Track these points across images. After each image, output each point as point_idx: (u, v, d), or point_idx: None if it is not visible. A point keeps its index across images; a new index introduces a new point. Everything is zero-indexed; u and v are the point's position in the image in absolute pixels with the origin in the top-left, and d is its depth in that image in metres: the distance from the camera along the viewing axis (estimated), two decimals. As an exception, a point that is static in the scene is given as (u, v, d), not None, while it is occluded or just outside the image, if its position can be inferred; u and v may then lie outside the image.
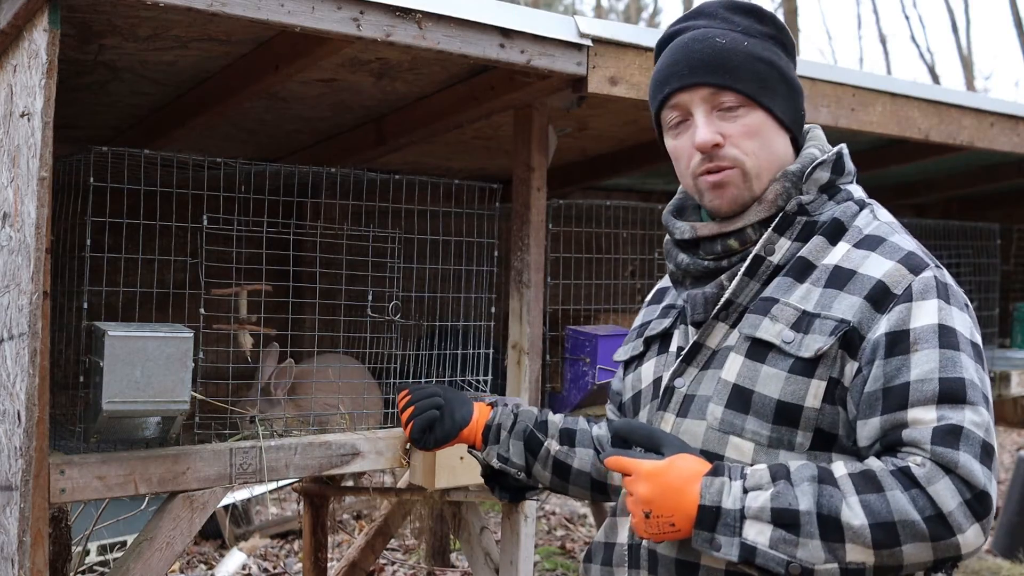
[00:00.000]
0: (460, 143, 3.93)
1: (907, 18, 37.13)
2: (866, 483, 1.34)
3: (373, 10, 2.50)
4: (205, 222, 2.69)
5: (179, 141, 3.44)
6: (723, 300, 1.53)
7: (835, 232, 1.53)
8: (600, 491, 1.81)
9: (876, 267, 1.46)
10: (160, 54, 2.74)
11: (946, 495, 1.31)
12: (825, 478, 1.35)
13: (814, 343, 1.43)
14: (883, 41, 30.67)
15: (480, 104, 3.17)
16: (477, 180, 3.25)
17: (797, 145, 1.61)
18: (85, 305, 2.52)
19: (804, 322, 1.46)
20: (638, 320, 1.80)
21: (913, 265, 1.45)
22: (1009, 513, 5.79)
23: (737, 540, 1.34)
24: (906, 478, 1.33)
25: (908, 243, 1.50)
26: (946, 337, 1.39)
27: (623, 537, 1.58)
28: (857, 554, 1.32)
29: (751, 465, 1.44)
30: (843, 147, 1.62)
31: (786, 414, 1.44)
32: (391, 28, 2.54)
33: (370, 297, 3.00)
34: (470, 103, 3.19)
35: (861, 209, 1.57)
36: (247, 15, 2.32)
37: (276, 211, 2.94)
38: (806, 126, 1.64)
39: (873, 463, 1.38)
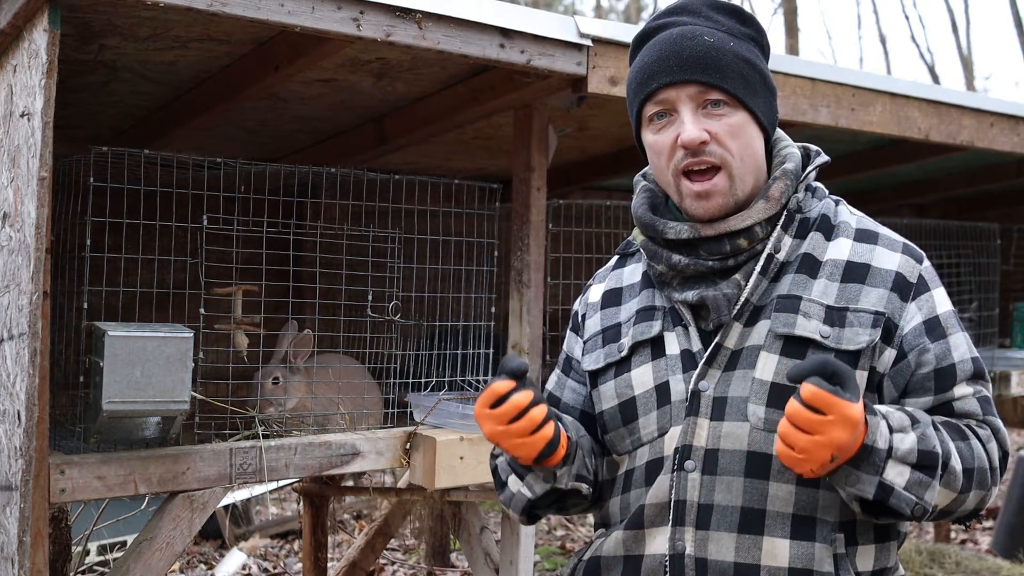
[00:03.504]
0: (460, 143, 3.93)
1: (907, 18, 37.12)
2: (954, 432, 1.45)
3: (373, 10, 2.50)
4: (205, 222, 2.69)
5: (179, 141, 3.44)
6: (742, 300, 1.52)
7: (826, 228, 1.58)
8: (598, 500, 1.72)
9: (888, 260, 1.54)
10: (160, 54, 2.74)
11: (995, 453, 1.48)
12: (936, 424, 1.44)
13: (857, 336, 1.48)
14: (883, 41, 30.53)
15: (480, 104, 3.17)
16: (477, 180, 3.25)
17: (768, 145, 1.62)
18: (85, 305, 2.52)
19: (833, 316, 1.49)
20: (595, 325, 1.70)
21: (915, 255, 1.57)
22: (1009, 513, 5.79)
23: (877, 479, 1.36)
24: (974, 433, 1.47)
25: (894, 234, 1.61)
26: (959, 320, 1.56)
27: (657, 548, 1.51)
28: (942, 497, 1.40)
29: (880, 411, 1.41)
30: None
31: None
32: (391, 28, 2.54)
33: (370, 297, 3.00)
34: (470, 103, 3.19)
35: (836, 204, 1.63)
36: (247, 15, 2.32)
37: (276, 211, 2.94)
38: None
39: (947, 417, 1.48)
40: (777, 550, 1.45)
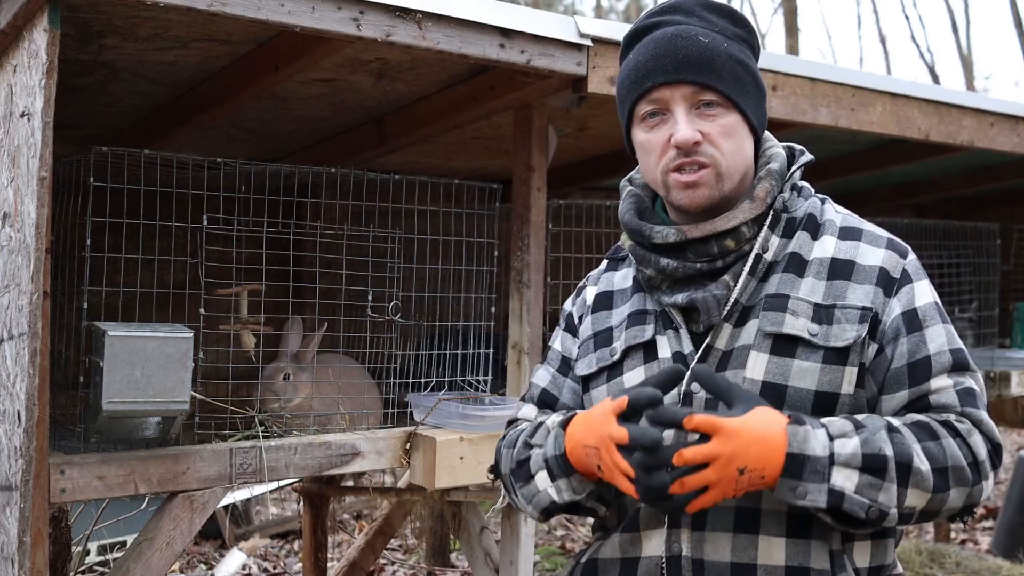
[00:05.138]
0: (460, 143, 3.93)
1: (907, 18, 37.05)
2: (922, 431, 1.43)
3: (373, 10, 2.50)
4: (205, 222, 2.69)
5: (179, 141, 3.44)
6: (732, 301, 1.53)
7: (812, 227, 1.59)
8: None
9: (871, 256, 1.55)
10: (160, 54, 2.74)
11: (979, 446, 1.45)
12: (893, 427, 1.43)
13: (845, 332, 1.49)
14: (883, 41, 30.57)
15: (480, 104, 3.17)
16: (477, 180, 3.25)
17: (757, 146, 1.63)
18: (85, 305, 2.52)
19: (821, 314, 1.50)
20: (587, 329, 1.71)
21: (899, 250, 1.57)
22: (1009, 513, 5.79)
23: (826, 486, 1.37)
24: (951, 429, 1.45)
25: (879, 230, 1.61)
26: (940, 313, 1.54)
27: (653, 550, 1.53)
28: (915, 499, 1.40)
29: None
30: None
31: (824, 403, 1.48)
32: (391, 28, 2.54)
33: (370, 297, 3.00)
34: (470, 103, 3.19)
35: (822, 203, 1.64)
36: (247, 15, 2.32)
37: (276, 211, 2.94)
38: None
39: (920, 416, 1.47)
40: (773, 549, 1.46)
